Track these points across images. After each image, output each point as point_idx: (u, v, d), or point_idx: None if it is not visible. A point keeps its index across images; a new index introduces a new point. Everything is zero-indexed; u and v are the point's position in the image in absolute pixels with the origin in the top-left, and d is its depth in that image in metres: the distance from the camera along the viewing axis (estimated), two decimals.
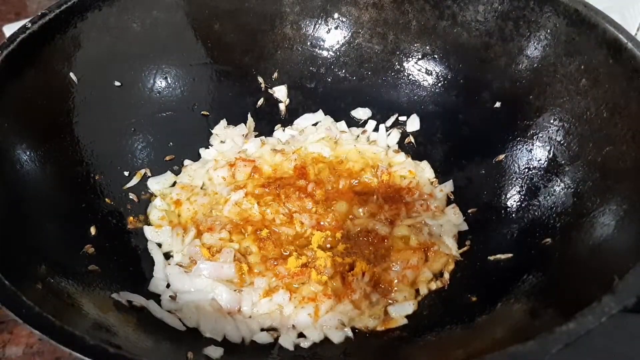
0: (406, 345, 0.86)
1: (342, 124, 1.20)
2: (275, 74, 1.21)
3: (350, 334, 0.89)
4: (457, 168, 1.10)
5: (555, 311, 0.71)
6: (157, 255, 0.98)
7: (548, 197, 0.94)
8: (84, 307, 0.75)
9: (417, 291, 0.95)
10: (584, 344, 0.59)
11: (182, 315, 0.89)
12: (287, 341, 0.87)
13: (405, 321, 0.90)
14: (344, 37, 1.20)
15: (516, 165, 1.01)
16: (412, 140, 1.17)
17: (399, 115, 1.19)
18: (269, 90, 1.22)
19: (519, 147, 1.01)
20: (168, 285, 0.95)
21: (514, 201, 0.99)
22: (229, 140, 1.17)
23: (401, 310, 0.92)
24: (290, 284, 0.93)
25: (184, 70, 1.15)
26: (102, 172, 1.01)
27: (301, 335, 0.89)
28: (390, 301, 0.93)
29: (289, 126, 1.22)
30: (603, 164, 0.86)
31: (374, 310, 0.92)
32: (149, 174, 1.09)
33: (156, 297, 0.91)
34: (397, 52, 1.17)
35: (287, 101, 1.22)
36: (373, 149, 1.15)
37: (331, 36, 1.20)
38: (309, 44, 1.21)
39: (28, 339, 0.96)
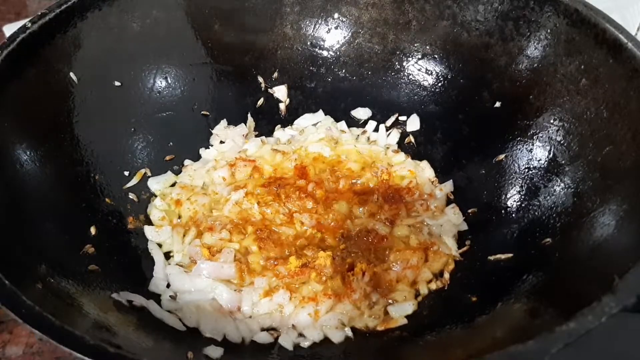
0: (406, 345, 0.86)
1: (342, 124, 1.21)
2: (275, 74, 1.21)
3: (350, 334, 0.89)
4: (457, 168, 1.10)
5: (555, 311, 0.71)
6: (157, 255, 0.98)
7: (548, 197, 0.94)
8: (84, 307, 0.75)
9: (417, 291, 0.95)
10: (584, 344, 0.59)
11: (182, 315, 0.89)
12: (287, 341, 0.87)
13: (405, 321, 0.90)
14: (344, 37, 1.20)
15: (516, 165, 1.01)
16: (412, 140, 1.17)
17: (399, 115, 1.19)
18: (269, 90, 1.22)
19: (519, 147, 1.01)
20: (168, 285, 0.95)
21: (514, 201, 0.99)
22: (229, 140, 1.17)
23: (401, 310, 0.92)
24: (290, 284, 0.93)
25: (184, 70, 1.15)
26: (102, 172, 1.01)
27: (301, 335, 0.89)
28: (390, 301, 0.93)
29: (289, 126, 1.22)
30: (603, 164, 0.86)
31: (374, 310, 0.92)
32: (149, 174, 1.09)
33: (156, 297, 0.91)
34: (397, 52, 1.17)
35: (287, 101, 1.22)
36: (373, 149, 1.15)
37: (331, 36, 1.20)
38: (309, 43, 1.21)
39: (28, 339, 0.96)
